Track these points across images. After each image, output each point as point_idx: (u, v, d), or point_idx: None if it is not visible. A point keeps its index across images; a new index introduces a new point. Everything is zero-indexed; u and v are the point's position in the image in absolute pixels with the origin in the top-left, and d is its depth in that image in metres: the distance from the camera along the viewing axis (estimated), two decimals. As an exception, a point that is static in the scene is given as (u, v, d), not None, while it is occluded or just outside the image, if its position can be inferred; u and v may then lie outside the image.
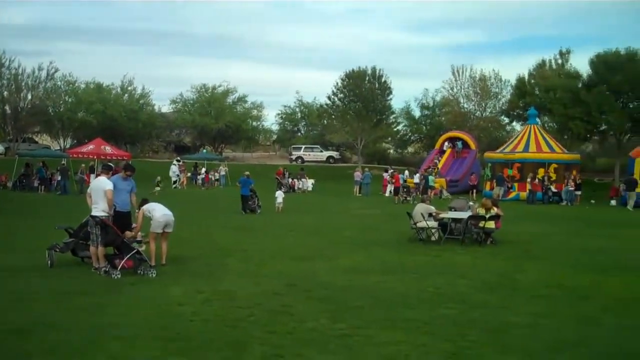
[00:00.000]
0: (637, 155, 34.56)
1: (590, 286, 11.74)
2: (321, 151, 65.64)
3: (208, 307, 9.49)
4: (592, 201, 36.77)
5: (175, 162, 46.57)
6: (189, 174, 46.59)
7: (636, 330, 8.62)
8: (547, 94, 49.26)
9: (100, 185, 12.34)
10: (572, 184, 35.32)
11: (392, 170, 42.82)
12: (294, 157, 64.00)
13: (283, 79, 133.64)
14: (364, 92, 58.22)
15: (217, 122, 65.58)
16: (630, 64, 45.56)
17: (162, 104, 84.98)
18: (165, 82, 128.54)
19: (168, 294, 10.39)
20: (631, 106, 47.47)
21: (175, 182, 43.51)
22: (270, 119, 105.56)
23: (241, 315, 9.00)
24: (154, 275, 11.76)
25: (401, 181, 37.48)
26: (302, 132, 78.10)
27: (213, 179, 47.57)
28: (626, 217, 27.09)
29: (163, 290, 10.61)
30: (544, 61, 58.68)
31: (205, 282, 11.32)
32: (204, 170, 47.20)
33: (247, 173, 27.55)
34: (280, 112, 77.00)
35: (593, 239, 18.99)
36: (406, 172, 41.61)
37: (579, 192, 35.81)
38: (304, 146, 66.56)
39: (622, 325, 8.91)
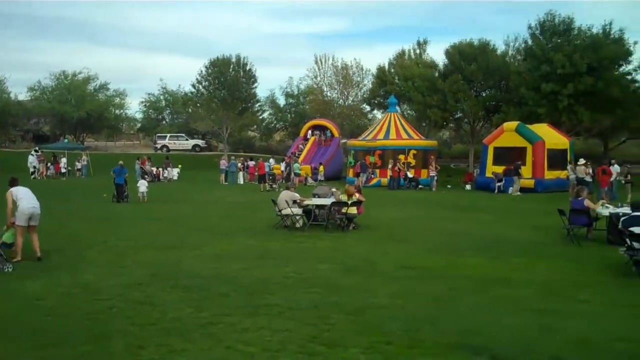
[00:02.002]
0: (489, 141, 36.34)
1: (445, 267, 12.36)
2: (187, 140, 64.96)
3: (68, 301, 9.26)
4: (449, 186, 38.45)
5: (33, 152, 44.72)
6: (48, 164, 44.71)
7: (486, 308, 9.16)
8: (406, 83, 50.92)
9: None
10: (433, 169, 36.70)
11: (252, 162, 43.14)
12: (159, 146, 63.00)
13: (147, 66, 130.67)
14: (229, 80, 57.88)
15: (77, 110, 63.22)
16: (483, 54, 47.94)
17: (19, 92, 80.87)
18: (23, 68, 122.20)
19: (26, 288, 10.04)
20: (484, 95, 49.99)
21: (33, 172, 41.76)
22: (134, 107, 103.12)
23: (102, 308, 8.85)
24: (10, 270, 11.30)
25: (267, 169, 37.64)
26: (167, 120, 76.88)
27: (75, 168, 46.22)
28: (479, 202, 28.52)
29: (21, 285, 10.24)
30: (403, 51, 60.70)
31: (65, 275, 11.01)
32: (64, 160, 45.37)
33: (121, 162, 27.66)
34: (144, 100, 75.62)
35: (449, 222, 19.91)
36: (271, 160, 41.84)
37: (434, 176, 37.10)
38: (169, 135, 65.68)
39: (474, 303, 9.46)
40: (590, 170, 30.23)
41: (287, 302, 9.30)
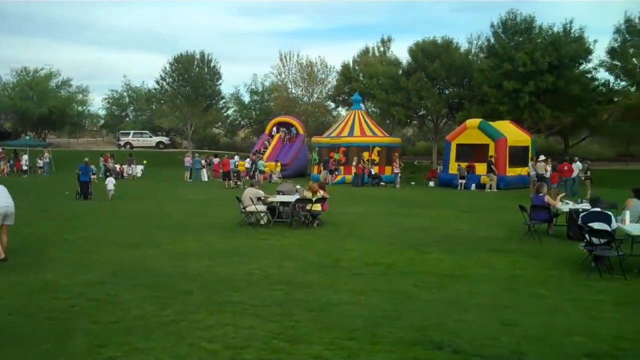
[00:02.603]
0: (452, 138, 36.73)
1: (408, 263, 12.47)
2: (150, 136, 64.48)
3: (30, 300, 9.14)
4: (412, 183, 38.76)
5: (-6, 149, 44.07)
6: (9, 162, 44.05)
7: (448, 304, 9.26)
8: (371, 80, 51.23)
9: None
10: (397, 166, 36.93)
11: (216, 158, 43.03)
12: (122, 143, 62.40)
13: (110, 63, 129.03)
14: (193, 76, 57.55)
15: (39, 106, 62.46)
16: (446, 52, 48.38)
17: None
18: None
19: (-15, 289, 9.89)
20: (447, 92, 50.48)
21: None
22: (97, 104, 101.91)
23: (64, 306, 8.76)
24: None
25: (232, 166, 37.53)
26: (131, 117, 76.20)
27: (37, 166, 45.68)
28: (442, 198, 28.78)
29: (-21, 285, 10.08)
30: (367, 48, 60.95)
31: (28, 274, 10.86)
32: (25, 157, 44.66)
33: (86, 159, 27.63)
34: (107, 96, 74.81)
35: (412, 219, 20.08)
36: (236, 157, 41.71)
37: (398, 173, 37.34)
38: (132, 131, 65.17)
39: (435, 299, 9.56)
40: (550, 167, 30.75)
41: (251, 299, 9.30)
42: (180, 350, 6.97)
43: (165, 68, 58.41)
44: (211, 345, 7.11)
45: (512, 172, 34.11)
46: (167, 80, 58.83)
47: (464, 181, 34.22)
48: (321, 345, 7.13)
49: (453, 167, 35.71)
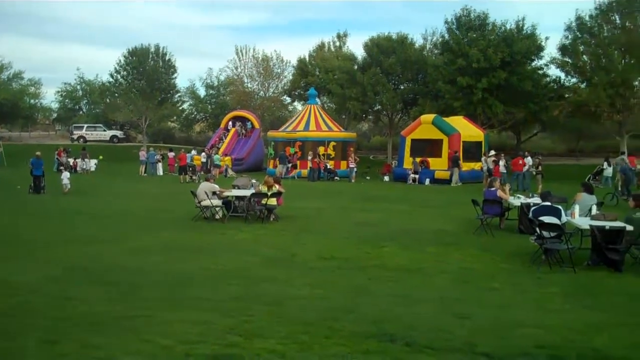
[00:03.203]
0: (407, 134, 37.00)
1: (363, 257, 12.58)
2: (104, 130, 63.53)
3: (-22, 298, 9.00)
4: (368, 177, 38.95)
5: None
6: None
7: (402, 297, 9.38)
8: (327, 75, 51.29)
9: None
10: (352, 161, 37.08)
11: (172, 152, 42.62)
12: (75, 137, 61.40)
13: (63, 56, 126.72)
14: (148, 70, 56.90)
15: (-11, 99, 60.76)
16: (401, 47, 48.68)
17: None
18: None
19: None
20: (402, 88, 50.79)
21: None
22: (50, 97, 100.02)
23: (16, 303, 8.63)
24: None
25: (188, 160, 37.22)
26: (84, 110, 75.05)
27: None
28: (397, 193, 29.02)
29: None
30: (323, 43, 61.05)
31: (-25, 271, 10.67)
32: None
33: (38, 153, 27.12)
34: (60, 89, 73.54)
35: (367, 213, 20.23)
36: (193, 152, 41.32)
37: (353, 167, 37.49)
38: (86, 125, 64.31)
39: (390, 292, 9.67)
40: (504, 162, 31.28)
41: (206, 294, 9.29)
42: (135, 346, 6.92)
43: (120, 61, 57.70)
44: (165, 341, 7.06)
45: (465, 167, 34.49)
46: (122, 73, 58.07)
47: (417, 176, 34.56)
48: (276, 340, 7.15)
49: (408, 162, 36.01)
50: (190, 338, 7.18)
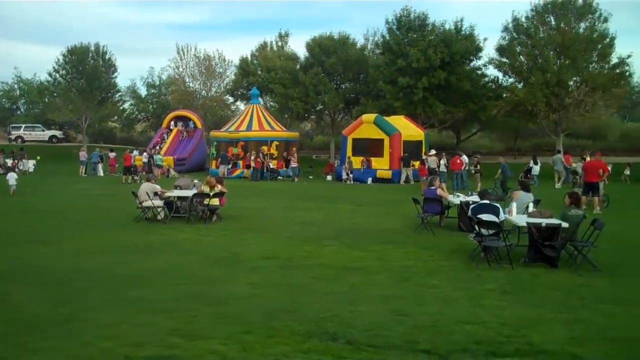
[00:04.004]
0: (349, 133, 37.22)
1: (305, 256, 12.65)
2: (43, 130, 62.33)
3: None
4: (310, 177, 39.08)
5: None
6: None
7: (343, 296, 9.47)
8: (269, 75, 51.24)
9: None
10: (294, 160, 37.17)
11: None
12: (13, 137, 60.00)
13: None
14: (87, 69, 55.97)
15: None
16: (343, 47, 49.01)
17: None
18: None
19: None
20: (344, 87, 51.15)
21: None
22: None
23: (-50, 308, 8.45)
24: None
25: (132, 160, 36.72)
26: (22, 110, 73.49)
27: None
28: (339, 192, 29.19)
29: None
30: (265, 43, 60.97)
31: None
32: None
33: None
34: (-4, 89, 71.61)
35: (309, 212, 20.30)
36: (134, 152, 40.79)
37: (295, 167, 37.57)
38: (24, 125, 63.04)
39: (331, 291, 9.76)
40: (445, 161, 31.79)
41: (149, 295, 9.24)
42: (74, 350, 6.86)
43: (59, 60, 56.65)
44: (106, 344, 7.02)
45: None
46: (61, 72, 57.06)
47: (351, 175, 34.99)
48: (218, 340, 7.17)
49: (357, 162, 36.17)
50: (131, 340, 7.14)
